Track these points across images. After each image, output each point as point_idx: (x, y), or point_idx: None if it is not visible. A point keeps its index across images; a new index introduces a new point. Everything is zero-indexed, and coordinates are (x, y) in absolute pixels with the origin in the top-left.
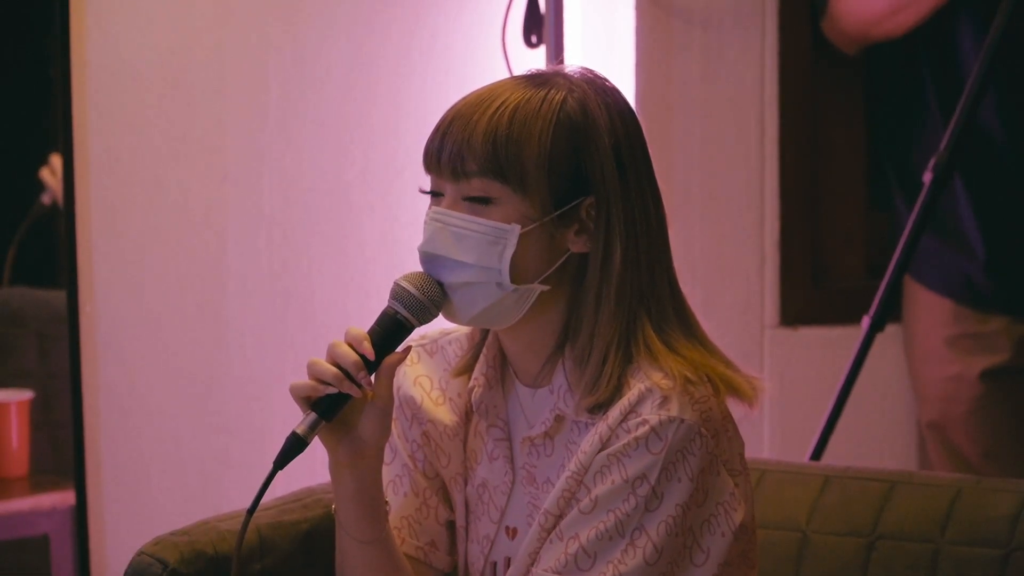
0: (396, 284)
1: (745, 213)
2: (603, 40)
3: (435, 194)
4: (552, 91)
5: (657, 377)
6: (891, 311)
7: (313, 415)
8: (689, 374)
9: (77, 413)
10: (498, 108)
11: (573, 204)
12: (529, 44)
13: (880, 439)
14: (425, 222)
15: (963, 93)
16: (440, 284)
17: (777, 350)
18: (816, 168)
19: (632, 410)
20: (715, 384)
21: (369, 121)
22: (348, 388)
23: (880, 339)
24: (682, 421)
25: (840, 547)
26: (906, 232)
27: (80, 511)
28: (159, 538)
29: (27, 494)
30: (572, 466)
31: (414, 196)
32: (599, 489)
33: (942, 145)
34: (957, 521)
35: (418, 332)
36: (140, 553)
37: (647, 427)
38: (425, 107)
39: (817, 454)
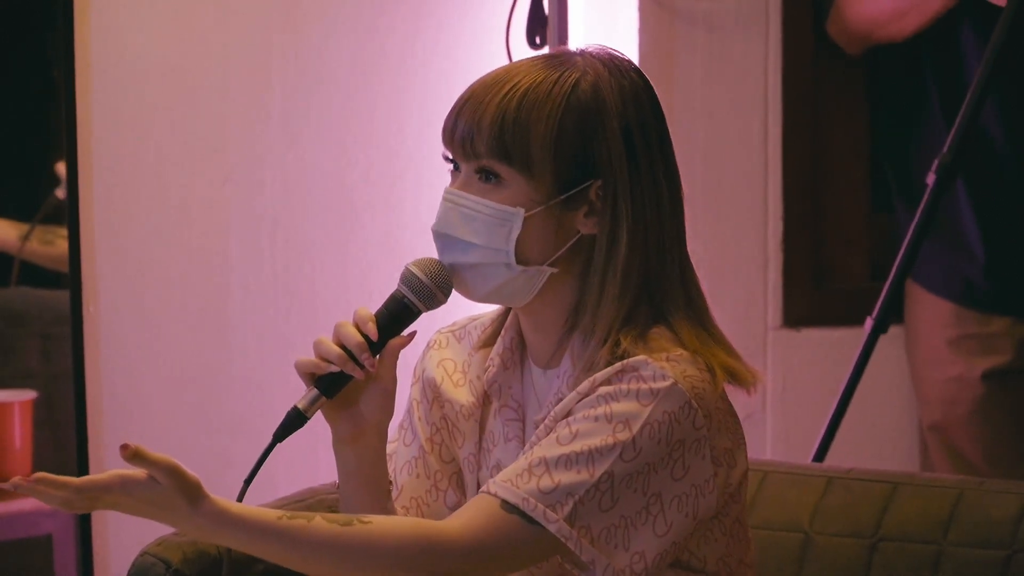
0: (406, 268)
1: (748, 214)
2: (606, 41)
3: (455, 165)
4: (565, 73)
5: (657, 356)
6: (894, 313)
7: (315, 391)
8: (687, 364)
9: (80, 413)
10: (510, 90)
11: (581, 187)
12: (533, 45)
13: (883, 441)
14: (441, 200)
15: (966, 95)
16: (450, 271)
17: (780, 351)
18: (819, 169)
19: (625, 370)
20: (714, 373)
21: (372, 122)
22: (351, 369)
23: (883, 341)
24: (676, 384)
25: (843, 548)
26: (909, 233)
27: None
28: (162, 538)
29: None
30: (555, 406)
31: (416, 197)
32: (581, 424)
33: (945, 147)
34: (959, 523)
35: (440, 318)
36: (143, 553)
37: (644, 384)
38: (428, 108)
39: (820, 455)
